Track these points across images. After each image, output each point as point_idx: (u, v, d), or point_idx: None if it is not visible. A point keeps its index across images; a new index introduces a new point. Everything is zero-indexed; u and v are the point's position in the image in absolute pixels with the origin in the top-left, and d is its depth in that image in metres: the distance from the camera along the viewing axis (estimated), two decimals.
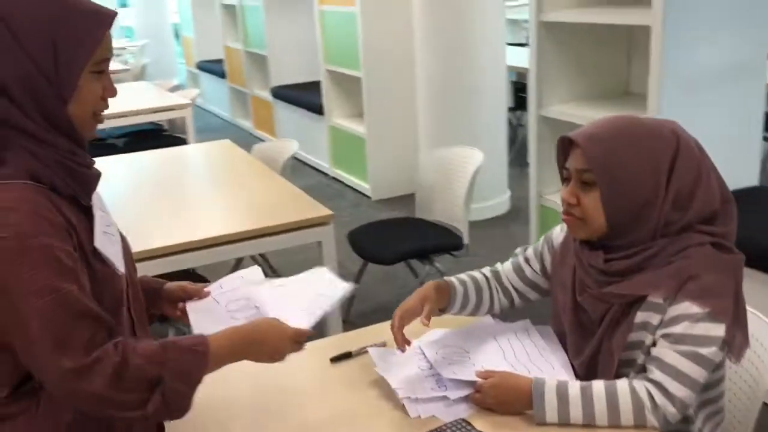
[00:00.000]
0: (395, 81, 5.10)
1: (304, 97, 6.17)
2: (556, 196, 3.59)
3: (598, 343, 1.45)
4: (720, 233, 1.40)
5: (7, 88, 1.14)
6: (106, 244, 1.26)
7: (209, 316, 1.45)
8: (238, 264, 3.79)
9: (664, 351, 1.35)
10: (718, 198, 1.40)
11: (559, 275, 1.59)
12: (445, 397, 1.43)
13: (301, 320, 1.36)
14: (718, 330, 1.33)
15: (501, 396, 1.39)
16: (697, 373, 1.32)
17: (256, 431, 1.42)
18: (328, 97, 5.71)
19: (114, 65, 8.05)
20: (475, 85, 4.57)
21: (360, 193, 5.46)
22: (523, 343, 1.58)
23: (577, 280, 1.51)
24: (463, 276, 1.68)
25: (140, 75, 7.69)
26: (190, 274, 2.92)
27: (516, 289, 1.69)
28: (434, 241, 3.11)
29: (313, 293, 1.46)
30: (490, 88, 4.64)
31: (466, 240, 3.09)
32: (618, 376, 1.41)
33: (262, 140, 7.05)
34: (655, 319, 1.38)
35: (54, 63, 1.14)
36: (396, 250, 3.07)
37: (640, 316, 1.40)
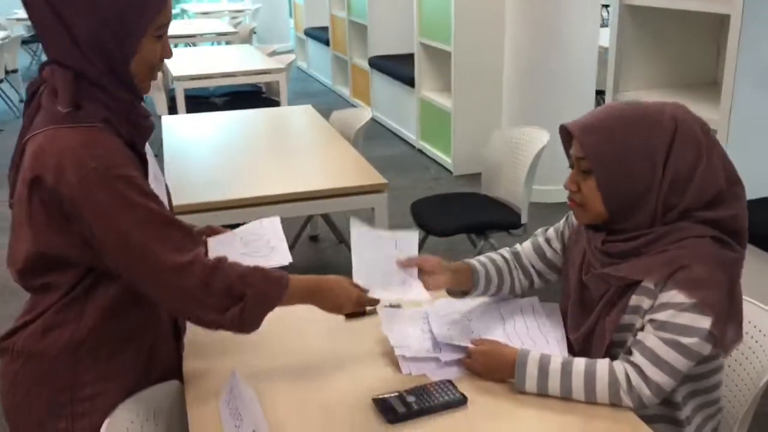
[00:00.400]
0: (484, 57, 5.10)
1: (398, 68, 6.26)
2: None
3: (594, 322, 1.50)
4: (724, 218, 1.41)
5: (80, 44, 1.29)
6: (156, 187, 1.42)
7: (224, 247, 1.60)
8: (308, 221, 3.98)
9: (646, 335, 1.38)
10: (723, 180, 1.40)
11: (571, 253, 1.63)
12: (437, 359, 1.51)
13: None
14: (703, 322, 1.34)
15: (488, 362, 1.46)
16: (677, 361, 1.35)
17: (263, 360, 1.55)
18: (420, 69, 5.77)
19: (225, 27, 8.40)
20: (562, 66, 4.52)
21: (442, 167, 5.52)
22: (525, 317, 1.64)
23: (585, 259, 1.55)
24: (482, 258, 1.72)
25: (247, 38, 7.98)
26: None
27: (536, 270, 1.73)
28: (492, 218, 3.16)
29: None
30: (577, 70, 4.58)
31: (524, 219, 3.12)
32: (610, 355, 1.46)
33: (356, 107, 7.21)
34: (646, 303, 1.41)
35: (121, 25, 1.29)
36: (452, 223, 3.14)
37: (634, 300, 1.43)
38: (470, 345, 1.50)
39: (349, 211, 2.85)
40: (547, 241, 1.71)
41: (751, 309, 1.62)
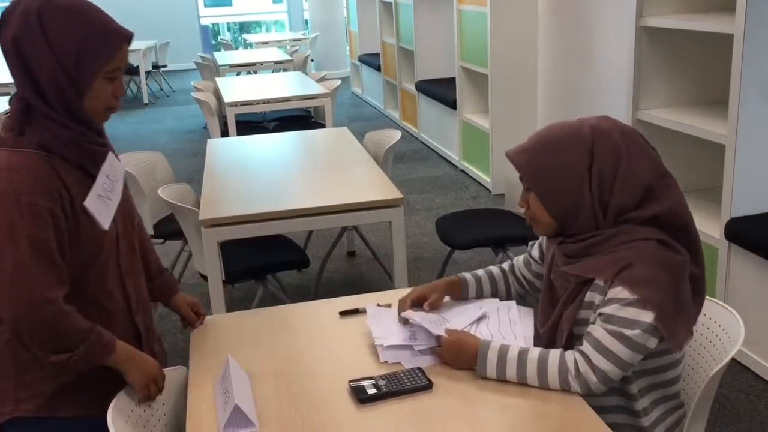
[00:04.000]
0: (518, 79, 5.25)
1: (441, 91, 6.45)
2: None
3: (558, 316, 1.65)
4: (661, 213, 1.54)
5: (37, 81, 1.50)
6: (98, 205, 1.58)
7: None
8: (340, 236, 4.18)
9: (595, 327, 1.52)
10: (649, 176, 1.53)
11: (546, 257, 1.78)
12: (411, 347, 1.68)
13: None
14: (646, 317, 1.47)
15: (455, 351, 1.62)
16: (621, 351, 1.48)
17: (258, 349, 1.74)
18: (461, 92, 5.95)
19: (283, 55, 8.74)
20: (593, 87, 4.61)
21: (482, 185, 5.66)
22: (500, 315, 1.79)
23: (553, 260, 1.71)
24: (479, 271, 1.93)
25: (302, 65, 8.32)
26: (284, 239, 3.33)
27: (527, 280, 1.90)
28: (508, 231, 3.30)
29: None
30: (608, 91, 4.65)
31: None
32: (570, 348, 1.59)
33: (407, 131, 7.42)
34: (597, 299, 1.55)
35: (75, 70, 1.50)
36: (471, 237, 3.29)
37: (588, 296, 1.58)
38: (443, 334, 1.66)
39: (369, 224, 3.04)
40: (530, 254, 1.88)
41: (709, 305, 1.73)
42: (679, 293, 1.51)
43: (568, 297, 1.62)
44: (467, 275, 1.91)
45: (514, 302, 1.86)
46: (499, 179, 5.45)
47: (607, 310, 1.50)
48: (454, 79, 6.10)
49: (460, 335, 1.65)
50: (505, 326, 1.74)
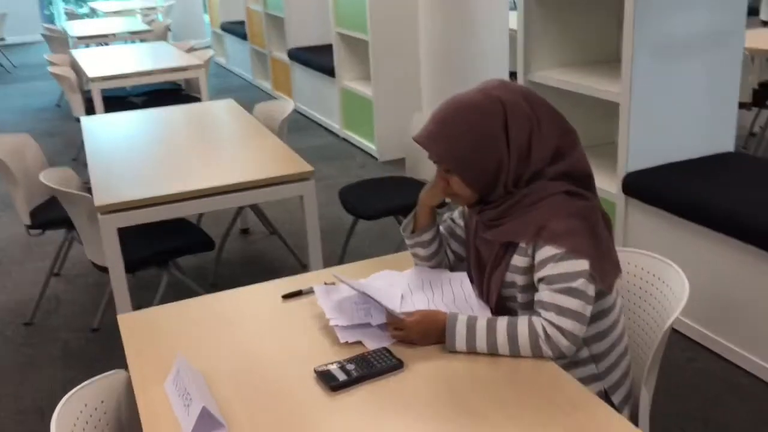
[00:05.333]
0: (400, 44, 5.22)
1: (317, 59, 6.32)
2: None
3: (487, 281, 1.65)
4: (570, 168, 1.56)
5: None
6: None
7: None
8: (237, 215, 4.01)
9: (543, 293, 1.52)
10: (557, 136, 1.56)
11: (468, 225, 1.78)
12: (369, 324, 1.61)
13: None
14: (581, 265, 1.49)
15: (423, 330, 1.57)
16: (577, 305, 1.49)
17: (204, 343, 1.61)
18: (340, 59, 5.85)
19: (138, 25, 8.26)
20: (475, 49, 4.66)
21: (368, 154, 5.62)
22: (453, 289, 1.75)
23: (476, 227, 1.70)
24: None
25: (162, 36, 7.88)
26: (181, 221, 3.14)
27: (452, 249, 1.86)
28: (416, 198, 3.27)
29: None
30: (491, 52, 4.73)
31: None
32: (502, 309, 1.63)
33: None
34: (522, 261, 1.57)
35: None
36: (380, 206, 3.24)
37: (514, 259, 1.59)
38: (397, 312, 1.60)
39: (278, 200, 2.92)
40: (453, 220, 1.86)
41: (654, 262, 1.78)
42: (598, 236, 1.54)
43: (494, 261, 1.63)
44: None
45: (464, 274, 1.82)
46: (386, 146, 5.43)
47: (545, 272, 1.51)
48: (330, 46, 5.99)
49: (423, 314, 1.59)
50: (461, 300, 1.71)
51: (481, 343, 1.52)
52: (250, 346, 1.63)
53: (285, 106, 3.78)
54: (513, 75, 5.97)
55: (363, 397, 1.43)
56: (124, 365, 1.60)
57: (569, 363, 1.60)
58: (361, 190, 3.47)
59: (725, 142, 3.23)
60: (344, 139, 6.02)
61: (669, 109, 3.07)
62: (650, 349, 1.68)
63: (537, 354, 1.50)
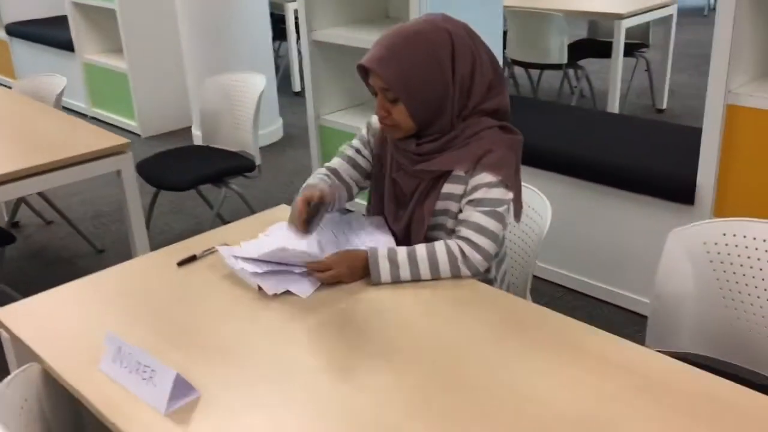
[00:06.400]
0: (154, 14, 4.97)
1: (47, 33, 5.76)
2: (334, 116, 3.86)
3: (412, 211, 1.74)
4: (499, 105, 1.71)
5: None
6: None
7: None
8: (18, 204, 3.62)
9: (468, 213, 1.66)
10: (492, 71, 1.69)
11: (380, 156, 1.84)
12: (291, 272, 1.63)
13: None
14: (508, 195, 1.67)
15: (350, 266, 1.62)
16: (495, 226, 1.65)
17: (117, 320, 1.51)
18: (78, 32, 5.40)
19: None
20: (237, 16, 4.62)
21: (127, 131, 5.30)
22: (355, 228, 1.81)
23: (393, 160, 1.78)
24: (314, 181, 1.82)
25: None
26: None
27: (354, 180, 1.89)
28: (227, 165, 3.23)
29: None
30: (252, 18, 4.73)
31: (258, 161, 3.25)
32: (430, 238, 1.72)
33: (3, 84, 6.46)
34: (458, 189, 1.69)
35: None
36: (189, 176, 3.14)
37: (446, 188, 1.70)
38: (320, 256, 1.64)
39: (92, 178, 2.70)
40: (357, 151, 1.89)
41: (530, 194, 1.97)
42: (518, 170, 1.73)
43: (424, 191, 1.72)
44: (325, 179, 1.83)
45: (359, 213, 1.89)
46: (149, 122, 5.17)
47: (477, 195, 1.65)
48: (63, 17, 5.49)
49: (344, 253, 1.65)
50: (364, 236, 1.78)
51: (405, 273, 1.62)
52: (168, 315, 1.56)
53: (55, 82, 3.45)
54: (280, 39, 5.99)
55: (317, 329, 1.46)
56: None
57: (483, 280, 1.76)
58: (163, 162, 3.32)
59: None
60: (94, 118, 5.59)
61: None
62: (528, 264, 1.92)
63: (456, 274, 1.64)
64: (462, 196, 1.69)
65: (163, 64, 5.10)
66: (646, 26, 4.92)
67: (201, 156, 3.36)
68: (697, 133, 2.53)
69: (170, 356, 1.40)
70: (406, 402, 1.25)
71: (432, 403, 1.25)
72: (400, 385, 1.30)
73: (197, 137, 4.88)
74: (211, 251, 1.79)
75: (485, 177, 1.65)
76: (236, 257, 1.67)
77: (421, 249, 1.65)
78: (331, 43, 3.68)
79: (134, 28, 4.95)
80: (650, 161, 2.75)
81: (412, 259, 1.63)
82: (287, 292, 1.60)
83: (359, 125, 3.71)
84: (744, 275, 1.68)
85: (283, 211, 2.01)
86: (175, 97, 5.10)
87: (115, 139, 2.66)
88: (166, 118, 5.18)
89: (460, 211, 1.70)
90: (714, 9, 8.57)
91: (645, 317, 1.88)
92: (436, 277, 1.63)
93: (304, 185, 1.80)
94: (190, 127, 5.06)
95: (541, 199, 1.93)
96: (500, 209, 1.65)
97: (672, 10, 4.87)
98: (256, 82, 3.24)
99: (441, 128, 1.68)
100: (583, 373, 1.31)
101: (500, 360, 1.36)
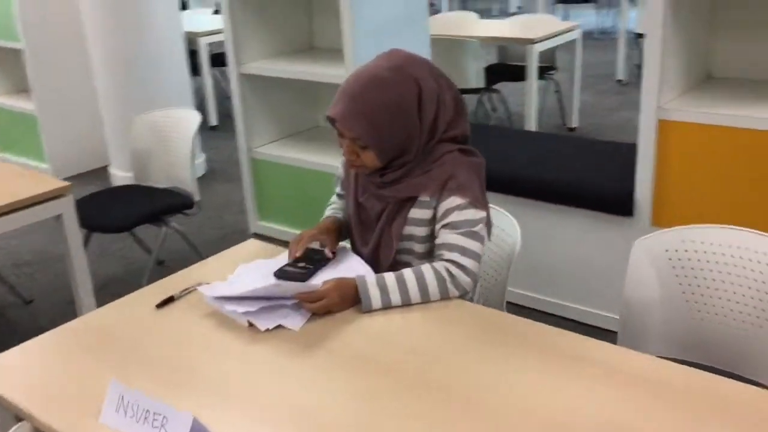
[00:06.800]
0: (63, 52, 4.81)
1: None
2: (266, 149, 3.84)
3: (379, 234, 1.77)
4: (461, 135, 1.77)
5: None
6: None
7: None
8: None
9: (448, 236, 1.70)
10: (453, 105, 1.73)
11: (348, 183, 1.87)
12: (281, 307, 1.61)
13: None
14: (480, 213, 1.72)
15: (341, 294, 1.62)
16: (477, 247, 1.70)
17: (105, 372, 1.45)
18: None
19: None
20: (154, 53, 4.53)
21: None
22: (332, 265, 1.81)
23: (359, 185, 1.81)
24: (332, 211, 1.96)
25: None
26: None
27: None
28: (165, 203, 3.15)
29: None
30: (169, 55, 4.64)
31: (197, 197, 3.18)
32: (398, 262, 1.76)
33: None
34: (425, 214, 1.73)
35: None
36: (129, 216, 3.05)
37: (413, 213, 1.74)
38: (317, 286, 1.63)
39: (29, 225, 2.57)
40: (339, 193, 1.97)
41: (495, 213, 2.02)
42: (485, 189, 1.79)
43: (390, 214, 1.75)
44: (337, 215, 1.94)
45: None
46: (61, 163, 4.97)
47: (450, 218, 1.69)
48: None
49: (336, 282, 1.64)
50: (343, 269, 1.78)
51: (395, 298, 1.63)
52: (157, 358, 1.51)
53: None
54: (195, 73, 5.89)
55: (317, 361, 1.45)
56: None
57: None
58: (98, 203, 3.20)
59: None
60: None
61: None
62: (500, 282, 1.97)
63: (444, 296, 1.67)
64: (429, 221, 1.73)
65: (75, 104, 4.93)
66: (552, 50, 5.16)
67: (135, 195, 3.26)
68: (624, 147, 2.67)
69: (169, 401, 1.35)
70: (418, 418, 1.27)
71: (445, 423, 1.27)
72: (416, 411, 1.31)
73: (116, 177, 4.73)
74: (188, 291, 1.75)
75: (454, 200, 1.69)
76: (221, 297, 1.64)
77: (408, 273, 1.67)
78: (259, 75, 3.67)
79: (42, 68, 4.77)
80: (589, 177, 2.88)
81: (401, 284, 1.65)
82: (278, 327, 1.58)
83: (294, 156, 3.75)
84: (705, 278, 1.78)
85: (253, 244, 2.00)
86: (89, 136, 4.94)
87: (55, 183, 2.56)
88: (80, 159, 5.00)
89: (430, 235, 1.74)
90: (603, 32, 9.12)
91: (607, 330, 1.95)
92: (425, 300, 1.66)
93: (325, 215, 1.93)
94: (107, 166, 4.90)
95: (508, 217, 1.99)
96: (476, 229, 1.70)
97: (576, 34, 5.14)
98: (190, 118, 3.19)
99: (404, 162, 1.72)
100: (591, 382, 1.36)
101: (507, 372, 1.39)
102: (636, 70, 7.04)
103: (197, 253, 3.20)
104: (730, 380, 1.35)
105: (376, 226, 1.78)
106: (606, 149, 3.21)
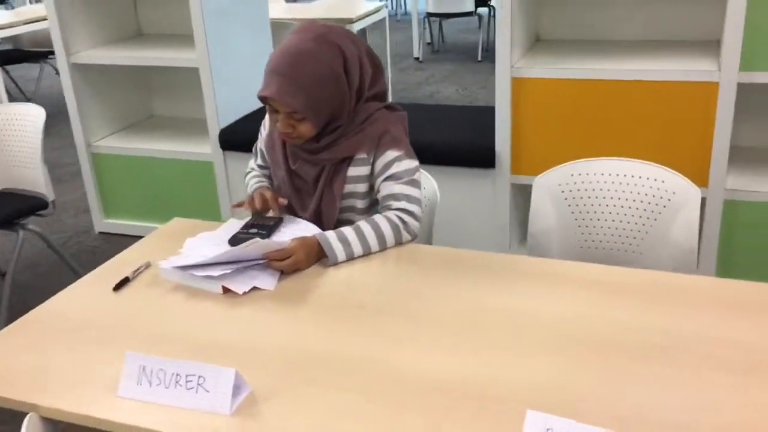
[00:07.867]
0: None
1: None
2: (106, 141, 3.66)
3: (320, 197, 1.85)
4: (381, 92, 1.89)
5: None
6: None
7: None
8: None
9: (393, 187, 1.81)
10: (372, 66, 1.84)
11: (274, 152, 1.91)
12: (250, 269, 1.64)
13: None
14: (414, 162, 1.85)
15: (306, 252, 1.68)
16: (418, 193, 1.83)
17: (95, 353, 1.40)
18: None
19: None
20: None
21: None
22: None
23: (289, 153, 1.87)
24: (258, 179, 2.00)
25: None
26: None
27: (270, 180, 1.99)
28: (18, 206, 2.91)
29: None
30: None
31: (51, 197, 2.98)
32: (341, 220, 1.85)
33: None
34: (364, 171, 1.83)
35: None
36: None
37: (351, 171, 1.83)
38: (285, 243, 1.68)
39: None
40: (259, 164, 2.01)
41: None
42: (408, 140, 1.92)
43: (328, 176, 1.83)
44: (265, 183, 1.99)
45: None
46: None
47: (391, 171, 1.81)
48: None
49: (299, 241, 1.69)
50: (297, 229, 1.82)
51: (357, 249, 1.72)
52: (146, 333, 1.48)
53: None
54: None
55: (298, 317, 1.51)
56: None
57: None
58: None
59: None
60: None
61: (237, 67, 3.43)
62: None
63: (399, 242, 1.78)
64: (368, 177, 1.84)
65: None
66: (364, 30, 5.39)
67: None
68: (474, 110, 2.91)
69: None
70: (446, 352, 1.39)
71: (457, 341, 1.40)
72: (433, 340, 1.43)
73: None
74: (141, 270, 1.70)
75: (391, 153, 1.81)
76: (189, 266, 1.63)
77: (365, 225, 1.76)
78: (92, 64, 3.48)
79: None
80: (454, 138, 3.11)
81: (360, 235, 1.74)
82: (253, 289, 1.61)
83: (137, 146, 3.62)
84: (593, 205, 2.07)
85: (179, 222, 1.97)
86: None
87: None
88: None
89: (369, 191, 1.85)
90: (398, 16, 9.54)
91: None
92: (383, 247, 1.76)
93: (253, 188, 1.94)
94: None
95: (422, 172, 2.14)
96: (415, 177, 1.84)
97: (384, 14, 5.41)
98: (35, 113, 2.96)
99: (339, 124, 1.80)
100: (528, 286, 1.57)
101: (468, 292, 1.56)
102: (427, 47, 7.54)
103: (60, 256, 3.00)
104: (622, 267, 1.64)
105: (314, 190, 1.85)
106: (463, 114, 3.48)
